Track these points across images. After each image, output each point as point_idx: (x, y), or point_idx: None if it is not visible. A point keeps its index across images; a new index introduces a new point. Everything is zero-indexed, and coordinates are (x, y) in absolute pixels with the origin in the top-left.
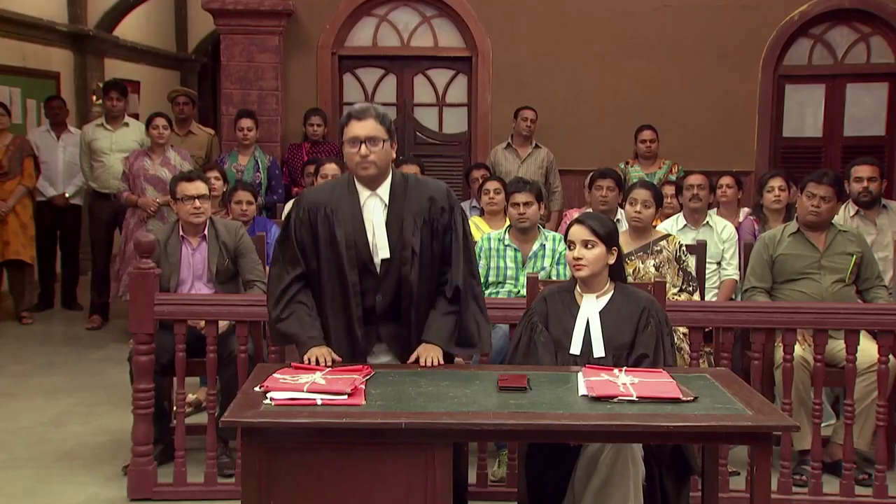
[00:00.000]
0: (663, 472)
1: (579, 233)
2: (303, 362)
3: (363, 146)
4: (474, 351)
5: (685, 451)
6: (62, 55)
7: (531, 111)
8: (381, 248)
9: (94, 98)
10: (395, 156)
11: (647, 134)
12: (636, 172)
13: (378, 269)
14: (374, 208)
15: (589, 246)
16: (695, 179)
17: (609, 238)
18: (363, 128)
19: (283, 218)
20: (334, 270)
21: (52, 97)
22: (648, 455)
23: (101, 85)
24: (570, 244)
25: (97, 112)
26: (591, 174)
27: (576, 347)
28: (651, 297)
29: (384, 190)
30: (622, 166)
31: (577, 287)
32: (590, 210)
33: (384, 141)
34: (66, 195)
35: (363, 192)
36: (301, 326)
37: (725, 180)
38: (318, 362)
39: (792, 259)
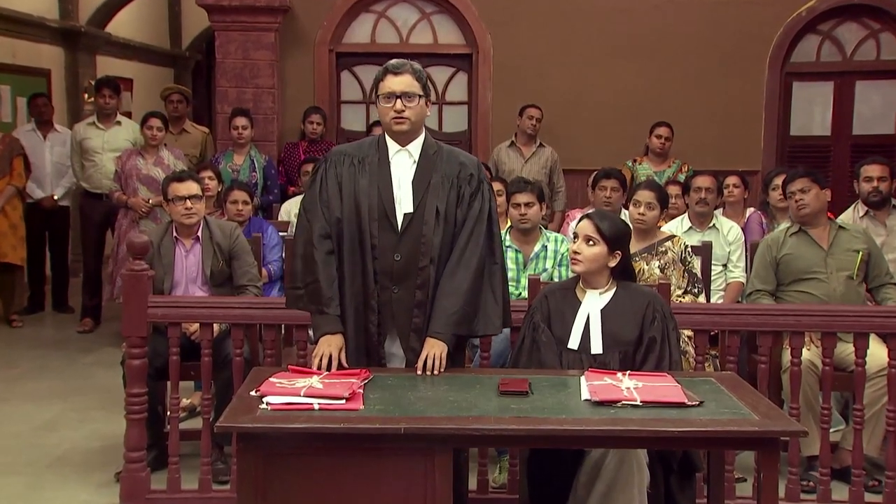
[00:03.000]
0: (669, 472)
1: (585, 228)
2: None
3: (399, 101)
4: (480, 335)
5: (691, 453)
6: (53, 52)
7: (537, 109)
8: (405, 202)
9: (86, 96)
10: (429, 113)
11: (663, 130)
12: (644, 170)
13: (399, 226)
14: (403, 163)
15: (590, 243)
16: (703, 182)
17: (614, 240)
18: (400, 83)
19: (279, 217)
20: (354, 222)
21: (36, 94)
22: (654, 458)
23: (92, 82)
24: (574, 236)
25: (89, 110)
26: (594, 174)
27: (574, 342)
28: (655, 293)
29: (415, 146)
30: (630, 164)
31: (579, 283)
32: (592, 209)
33: (420, 97)
34: (55, 197)
35: (392, 147)
36: (319, 302)
37: (731, 180)
38: (322, 365)
39: (797, 258)
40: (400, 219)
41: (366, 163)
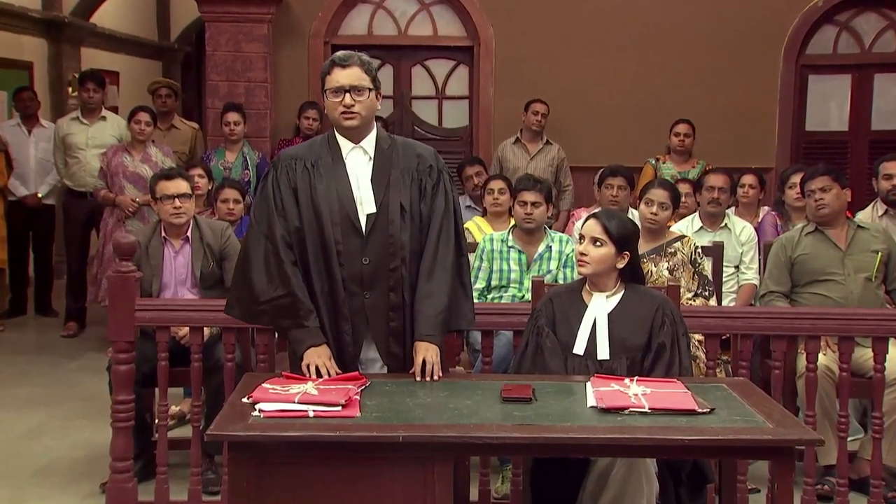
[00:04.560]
0: (679, 483)
1: (591, 228)
2: (300, 360)
3: (347, 95)
4: (453, 330)
5: (701, 463)
6: (35, 44)
7: (542, 104)
8: (366, 202)
9: (70, 90)
10: (380, 107)
11: (682, 127)
12: (668, 169)
13: (364, 228)
14: (358, 161)
15: (597, 244)
16: (716, 180)
17: (622, 241)
18: (347, 76)
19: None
20: (316, 230)
21: (21, 88)
22: (664, 468)
23: (76, 76)
24: (580, 238)
25: (73, 105)
26: (600, 171)
27: (580, 347)
28: (664, 296)
29: (369, 143)
30: (653, 162)
31: (586, 286)
32: (598, 209)
33: (370, 90)
34: (39, 195)
35: (346, 145)
36: (296, 316)
37: (748, 179)
38: (317, 372)
39: (813, 259)
40: (364, 220)
41: (319, 165)
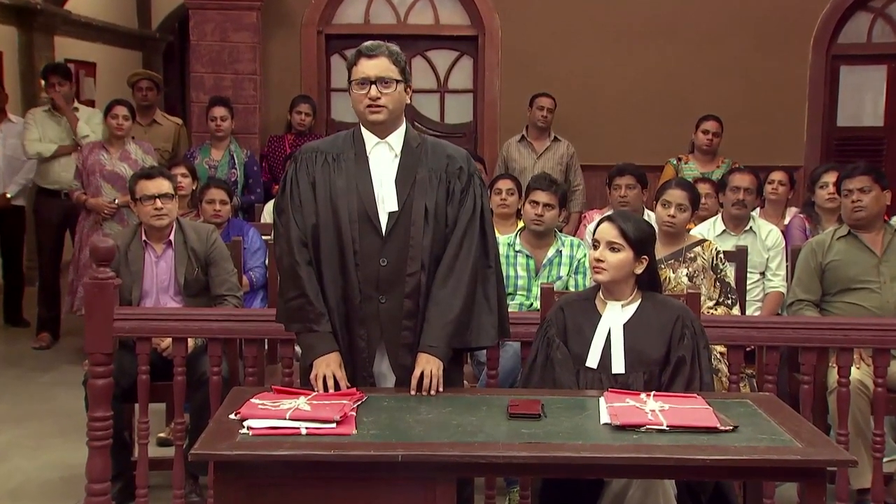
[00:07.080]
0: None
1: (607, 232)
2: (309, 369)
3: (373, 87)
4: (474, 348)
5: (723, 486)
6: (5, 32)
7: (548, 99)
8: (388, 200)
9: (43, 82)
10: (409, 101)
11: (710, 125)
12: (690, 171)
13: (383, 228)
14: (383, 157)
15: (614, 249)
16: (742, 180)
17: (640, 244)
18: (374, 66)
19: (261, 219)
20: (332, 226)
21: None
22: (683, 491)
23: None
24: (595, 242)
25: (45, 98)
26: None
27: (593, 360)
28: (684, 306)
29: (396, 139)
30: (674, 162)
31: (600, 293)
32: (610, 210)
33: (398, 82)
34: (8, 195)
35: (370, 139)
36: (306, 319)
37: (777, 176)
38: (324, 386)
39: (845, 265)
40: (384, 219)
41: (341, 159)
